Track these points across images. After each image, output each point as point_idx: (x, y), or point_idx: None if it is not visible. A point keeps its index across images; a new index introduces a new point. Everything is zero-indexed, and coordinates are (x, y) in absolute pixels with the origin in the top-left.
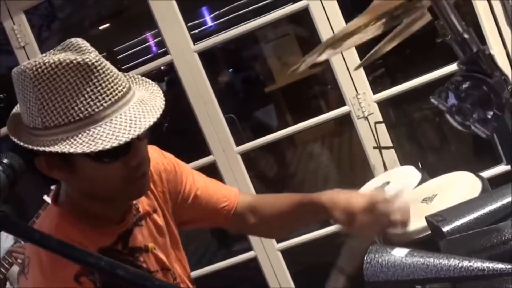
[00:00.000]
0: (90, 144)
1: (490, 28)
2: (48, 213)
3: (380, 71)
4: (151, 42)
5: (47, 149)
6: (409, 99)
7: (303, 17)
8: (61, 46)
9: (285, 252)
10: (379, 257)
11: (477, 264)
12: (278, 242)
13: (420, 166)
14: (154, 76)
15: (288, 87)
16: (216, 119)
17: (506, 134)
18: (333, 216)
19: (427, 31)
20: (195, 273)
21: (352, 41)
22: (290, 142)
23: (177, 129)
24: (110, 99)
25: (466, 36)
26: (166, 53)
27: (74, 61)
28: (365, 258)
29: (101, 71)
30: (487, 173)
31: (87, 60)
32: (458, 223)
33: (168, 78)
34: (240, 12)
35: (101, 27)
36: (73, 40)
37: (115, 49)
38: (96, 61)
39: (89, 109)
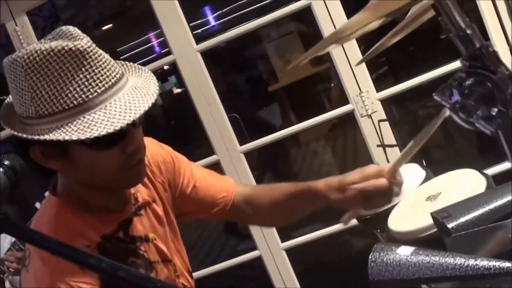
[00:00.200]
0: (86, 131)
1: (493, 25)
2: (46, 204)
3: (384, 69)
4: (154, 42)
5: (41, 137)
6: (412, 97)
7: (306, 16)
8: (52, 34)
9: (289, 251)
10: (384, 256)
11: (483, 262)
12: (282, 241)
13: (424, 164)
14: (158, 76)
15: (291, 86)
16: (219, 119)
17: (511, 131)
18: (330, 199)
19: (430, 27)
20: (199, 273)
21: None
22: (294, 141)
23: (180, 129)
24: (103, 85)
25: (469, 31)
26: (169, 53)
27: (66, 48)
28: (370, 256)
29: (93, 57)
30: (491, 171)
31: (79, 46)
32: (463, 219)
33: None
34: (242, 11)
35: (104, 28)
36: (64, 28)
37: (118, 49)
38: (88, 47)
39: (83, 96)
